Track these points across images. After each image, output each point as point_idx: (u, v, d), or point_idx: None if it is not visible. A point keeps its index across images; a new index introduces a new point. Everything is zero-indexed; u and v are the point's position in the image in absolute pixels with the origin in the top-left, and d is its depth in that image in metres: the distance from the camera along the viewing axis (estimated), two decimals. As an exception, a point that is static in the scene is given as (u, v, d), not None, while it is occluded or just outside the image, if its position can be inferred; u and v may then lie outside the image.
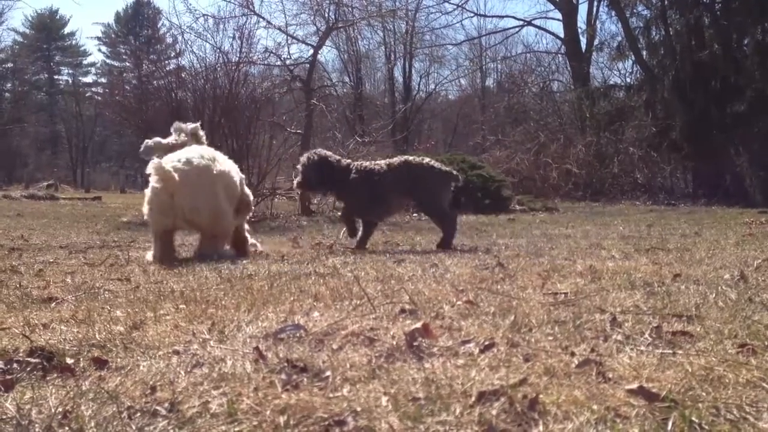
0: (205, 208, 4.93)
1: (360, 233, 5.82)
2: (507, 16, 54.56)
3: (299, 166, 5.84)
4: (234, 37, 12.14)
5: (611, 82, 23.86)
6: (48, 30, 50.34)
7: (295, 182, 5.97)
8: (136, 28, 47.47)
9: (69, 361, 2.01)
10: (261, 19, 13.08)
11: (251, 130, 11.66)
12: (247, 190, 5.66)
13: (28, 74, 49.35)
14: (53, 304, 2.98)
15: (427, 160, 5.84)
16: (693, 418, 1.46)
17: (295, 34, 13.69)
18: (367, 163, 5.84)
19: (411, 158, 5.83)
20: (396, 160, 5.82)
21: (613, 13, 21.50)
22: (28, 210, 12.95)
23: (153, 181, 4.73)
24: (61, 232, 6.79)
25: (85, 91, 50.32)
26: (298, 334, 2.24)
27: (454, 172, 5.82)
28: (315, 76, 14.35)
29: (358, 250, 5.57)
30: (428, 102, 36.03)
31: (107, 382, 1.79)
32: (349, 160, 5.93)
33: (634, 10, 20.47)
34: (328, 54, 34.94)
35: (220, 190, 5.03)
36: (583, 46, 24.74)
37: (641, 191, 17.79)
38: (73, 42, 51.96)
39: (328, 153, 5.91)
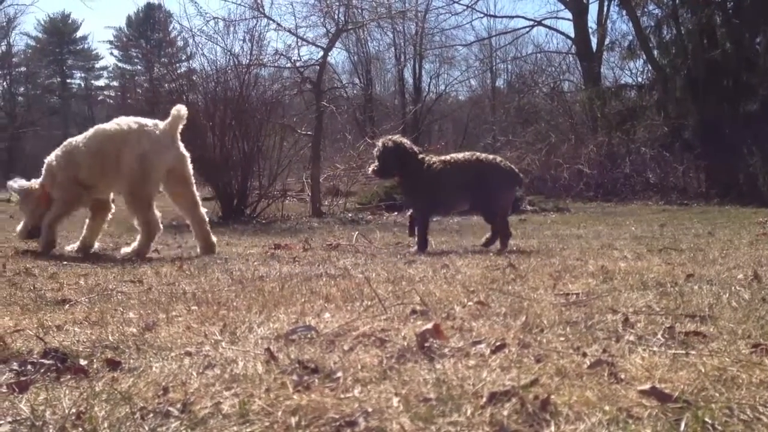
0: None
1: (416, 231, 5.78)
2: (517, 17, 54.24)
3: (375, 151, 5.80)
4: (244, 40, 12.18)
5: (622, 82, 23.72)
6: (60, 34, 50.61)
7: (369, 169, 5.95)
8: (147, 32, 47.65)
9: (82, 362, 2.02)
10: (271, 22, 13.06)
11: (262, 132, 11.69)
12: None
13: (41, 78, 49.67)
14: (67, 306, 3.00)
15: (498, 159, 5.76)
16: (706, 419, 1.46)
17: (305, 36, 13.64)
18: (438, 158, 5.74)
19: (480, 155, 5.74)
20: (465, 155, 5.71)
21: (624, 12, 21.36)
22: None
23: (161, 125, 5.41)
24: (74, 235, 6.80)
25: (97, 94, 50.67)
26: (309, 335, 2.25)
27: (520, 174, 5.75)
28: (325, 77, 14.34)
29: (420, 251, 5.55)
30: (438, 103, 35.92)
31: (120, 383, 1.80)
32: (423, 154, 5.83)
33: (645, 9, 20.34)
34: (338, 56, 35.02)
35: None
36: (594, 45, 24.63)
37: (653, 191, 17.66)
38: (86, 46, 52.29)
39: (405, 141, 5.83)
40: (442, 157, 5.75)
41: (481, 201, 5.62)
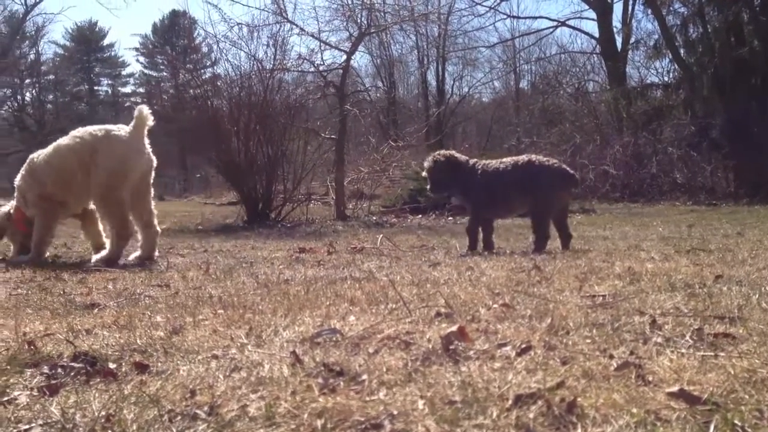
0: None
1: (481, 236, 5.81)
2: (540, 17, 53.63)
3: (425, 172, 5.87)
4: (268, 45, 12.25)
5: (648, 81, 23.48)
6: (88, 42, 51.30)
7: (428, 190, 6.04)
8: (172, 39, 48.10)
9: (111, 365, 2.05)
10: (294, 27, 13.14)
11: (286, 136, 11.76)
12: None
13: (69, 85, 50.39)
14: (96, 310, 3.04)
15: (552, 161, 5.75)
16: (736, 421, 1.44)
17: (328, 41, 13.69)
18: (493, 162, 5.78)
19: (534, 157, 5.74)
20: (521, 158, 5.73)
21: (649, 11, 21.15)
22: (70, 219, 13.16)
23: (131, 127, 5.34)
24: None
25: (124, 101, 51.19)
26: (334, 338, 2.25)
27: (575, 176, 5.72)
28: (348, 81, 14.39)
29: (486, 251, 5.61)
30: (462, 105, 35.86)
31: (148, 386, 1.82)
32: (474, 159, 5.89)
33: (671, 8, 20.13)
34: (361, 59, 35.08)
35: None
36: (619, 45, 24.39)
37: (681, 191, 17.43)
38: (112, 53, 52.94)
39: (453, 152, 5.91)
40: (496, 161, 5.80)
41: (536, 203, 5.60)
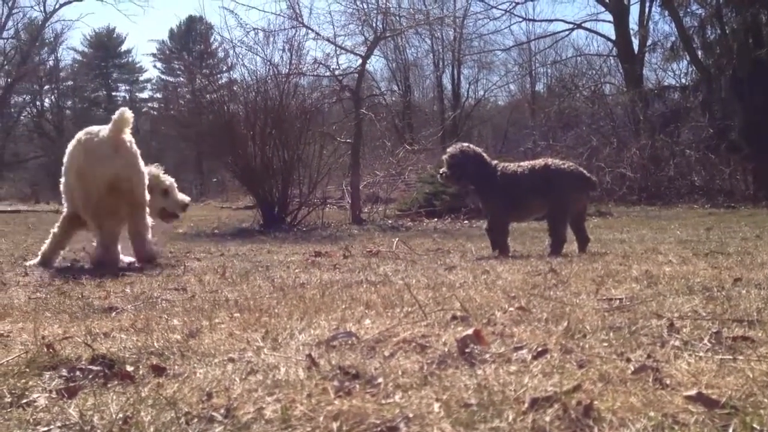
0: None
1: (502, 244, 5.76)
2: (556, 20, 52.80)
3: (447, 157, 5.79)
4: (284, 50, 12.26)
5: (665, 84, 23.31)
6: (106, 48, 51.80)
7: (440, 173, 5.93)
8: (189, 44, 48.43)
9: (129, 368, 2.06)
10: (310, 31, 13.14)
11: (302, 140, 11.77)
12: None
13: (87, 91, 50.89)
14: (113, 314, 3.07)
15: (567, 164, 5.74)
16: (754, 425, 1.42)
17: (343, 45, 13.68)
18: (511, 165, 5.78)
19: (551, 161, 5.74)
20: (538, 162, 5.74)
21: (666, 13, 21.03)
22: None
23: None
24: (120, 244, 6.96)
25: (141, 106, 51.55)
26: (350, 342, 2.26)
27: (593, 179, 5.69)
28: (364, 85, 14.38)
29: (502, 255, 5.52)
30: (477, 108, 35.81)
31: (165, 389, 1.83)
32: (495, 162, 5.87)
33: (688, 9, 19.99)
34: (376, 63, 35.06)
35: None
36: (636, 47, 24.26)
37: (699, 194, 17.28)
38: (130, 59, 53.39)
39: (479, 149, 5.88)
40: (514, 164, 5.79)
41: (552, 206, 5.57)
